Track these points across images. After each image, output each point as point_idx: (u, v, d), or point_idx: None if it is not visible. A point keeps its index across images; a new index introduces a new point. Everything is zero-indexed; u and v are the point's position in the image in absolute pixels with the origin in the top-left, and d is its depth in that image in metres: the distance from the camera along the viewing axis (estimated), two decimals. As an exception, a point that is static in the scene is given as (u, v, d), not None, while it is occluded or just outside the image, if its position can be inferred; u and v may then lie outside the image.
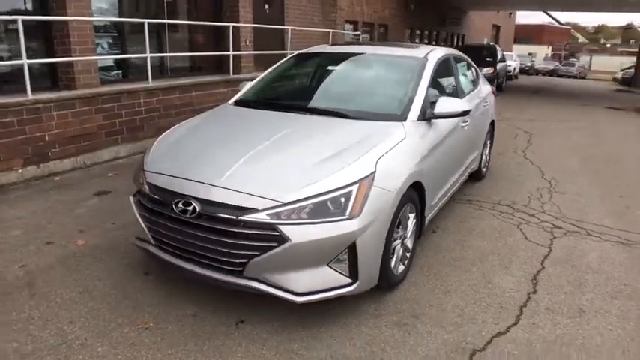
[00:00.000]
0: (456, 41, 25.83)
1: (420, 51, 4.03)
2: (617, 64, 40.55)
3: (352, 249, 2.45)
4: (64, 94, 5.52)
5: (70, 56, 5.90)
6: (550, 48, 56.15)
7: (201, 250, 2.54)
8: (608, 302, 3.05)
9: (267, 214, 2.39)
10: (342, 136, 2.97)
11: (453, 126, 3.80)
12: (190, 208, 2.51)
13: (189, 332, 2.56)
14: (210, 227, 2.47)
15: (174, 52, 8.08)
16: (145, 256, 3.36)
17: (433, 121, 3.42)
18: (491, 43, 23.71)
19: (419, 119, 3.27)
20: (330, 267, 2.47)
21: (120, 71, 7.35)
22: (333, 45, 4.79)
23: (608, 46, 65.15)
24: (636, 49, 29.98)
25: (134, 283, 3.05)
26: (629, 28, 63.84)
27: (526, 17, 50.23)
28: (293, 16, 11.81)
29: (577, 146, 8.07)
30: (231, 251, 2.45)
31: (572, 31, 71.08)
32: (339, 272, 2.50)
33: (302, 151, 2.81)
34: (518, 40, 46.12)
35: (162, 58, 7.85)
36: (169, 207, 2.60)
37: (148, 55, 6.56)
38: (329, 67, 4.11)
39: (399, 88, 3.55)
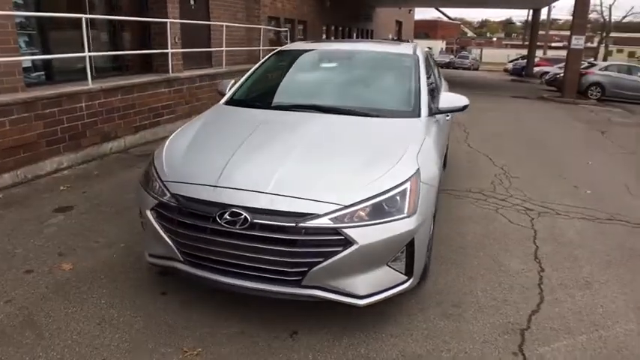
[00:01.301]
0: (366, 36, 26.72)
1: (406, 47, 4.12)
2: (504, 56, 44.78)
3: (410, 246, 2.46)
4: (2, 98, 4.81)
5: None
6: (444, 42, 60.32)
7: (253, 263, 2.38)
8: (604, 273, 3.39)
9: (330, 219, 2.30)
10: (372, 134, 2.95)
11: (445, 119, 3.95)
12: (240, 219, 2.33)
13: (246, 352, 2.39)
14: (266, 237, 2.32)
15: (97, 50, 7.34)
16: (156, 274, 3.08)
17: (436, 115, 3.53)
18: (394, 38, 24.86)
19: (429, 114, 3.36)
20: (389, 266, 2.45)
21: (42, 72, 6.57)
22: (315, 42, 4.69)
23: (495, 39, 71.84)
24: (519, 42, 33.39)
25: (156, 306, 2.77)
26: (510, 23, 70.82)
27: (421, 13, 53.57)
28: (218, 12, 11.43)
29: (508, 133, 8.79)
30: (291, 260, 2.32)
31: (462, 25, 77.05)
32: (396, 270, 2.49)
33: (341, 151, 2.74)
34: (416, 35, 48.91)
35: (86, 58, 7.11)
36: (210, 219, 2.39)
37: (87, 54, 5.93)
38: (324, 65, 4.03)
39: (403, 84, 3.59)
